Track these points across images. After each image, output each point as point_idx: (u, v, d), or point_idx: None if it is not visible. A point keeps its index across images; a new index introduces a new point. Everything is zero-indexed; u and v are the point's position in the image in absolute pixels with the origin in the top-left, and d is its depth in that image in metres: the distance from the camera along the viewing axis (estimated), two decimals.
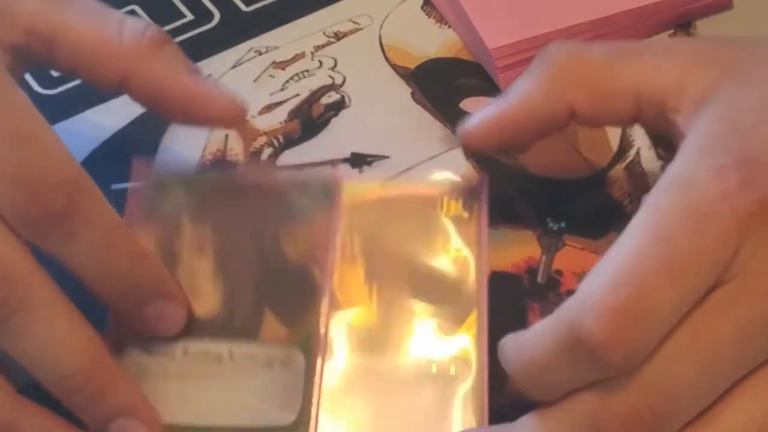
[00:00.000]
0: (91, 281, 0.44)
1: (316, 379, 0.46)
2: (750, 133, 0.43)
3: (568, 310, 0.41)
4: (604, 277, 0.40)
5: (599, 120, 0.48)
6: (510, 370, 0.42)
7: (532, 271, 0.52)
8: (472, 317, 0.48)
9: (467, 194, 0.50)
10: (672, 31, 0.60)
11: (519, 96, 0.48)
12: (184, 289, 0.48)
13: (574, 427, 0.41)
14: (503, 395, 0.45)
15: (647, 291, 0.40)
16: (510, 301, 0.50)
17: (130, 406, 0.44)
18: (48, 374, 0.43)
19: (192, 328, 0.47)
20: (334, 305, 0.48)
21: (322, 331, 0.47)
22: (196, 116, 0.49)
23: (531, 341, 0.42)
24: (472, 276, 0.49)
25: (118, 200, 0.53)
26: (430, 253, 0.49)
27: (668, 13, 0.59)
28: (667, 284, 0.40)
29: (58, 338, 0.43)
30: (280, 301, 0.48)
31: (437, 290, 0.48)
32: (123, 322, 0.47)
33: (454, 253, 0.49)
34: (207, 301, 0.48)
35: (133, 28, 0.48)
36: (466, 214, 0.50)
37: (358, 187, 0.50)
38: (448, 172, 0.51)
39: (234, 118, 0.50)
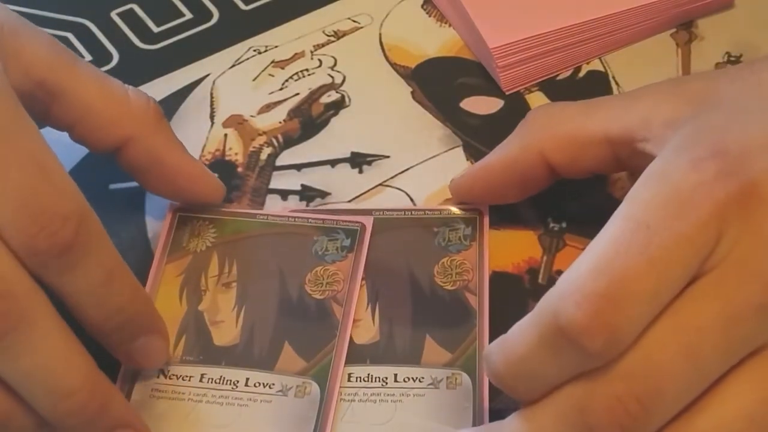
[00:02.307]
0: (86, 314, 0.44)
1: (331, 410, 0.46)
2: (723, 130, 0.43)
3: (548, 300, 0.41)
4: (584, 266, 0.41)
5: (577, 168, 0.49)
6: (495, 372, 0.42)
7: (533, 272, 0.51)
8: (473, 335, 0.48)
9: (467, 226, 0.51)
10: (674, 30, 0.59)
11: (499, 151, 0.51)
12: (206, 321, 0.49)
13: (562, 421, 0.41)
14: (502, 399, 0.45)
15: (627, 277, 0.40)
16: (511, 302, 0.50)
17: (129, 423, 0.44)
18: (44, 395, 0.43)
19: (211, 355, 0.48)
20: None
21: (340, 366, 0.48)
22: (184, 193, 0.51)
23: (514, 337, 0.42)
24: (472, 298, 0.49)
25: (116, 200, 0.53)
26: (431, 277, 0.50)
27: (669, 13, 0.59)
28: (647, 271, 0.40)
29: (54, 359, 0.42)
30: (300, 336, 0.49)
31: (438, 310, 0.49)
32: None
33: (455, 276, 0.50)
34: (227, 331, 0.49)
35: (139, 96, 0.50)
36: (466, 243, 0.51)
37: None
38: (449, 206, 0.52)
39: (217, 198, 0.52)
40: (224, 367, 0.48)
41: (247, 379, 0.47)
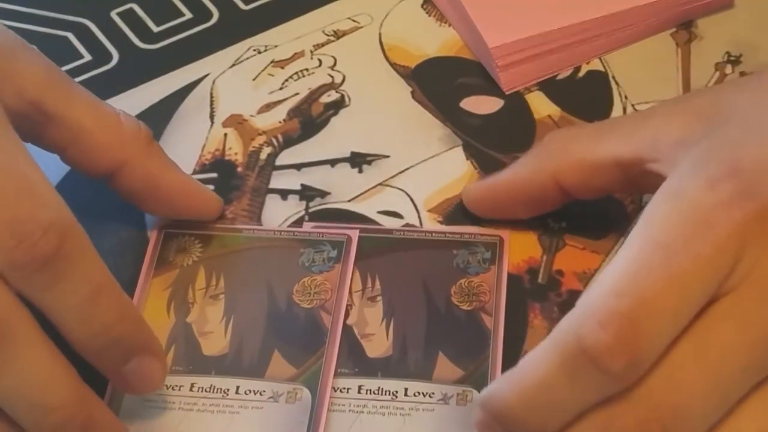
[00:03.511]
0: (72, 332, 0.43)
1: (323, 414, 0.46)
2: (738, 145, 0.43)
3: (568, 323, 0.41)
4: (604, 287, 0.40)
5: (589, 190, 0.50)
6: (504, 406, 0.41)
7: (532, 271, 0.51)
8: (486, 354, 0.48)
9: (487, 250, 0.51)
10: (674, 29, 0.59)
11: (512, 170, 0.51)
12: (194, 332, 0.49)
13: None
14: None
15: (647, 298, 0.40)
16: (511, 302, 0.50)
17: None
18: (29, 410, 0.42)
19: (200, 365, 0.48)
20: (350, 339, 0.49)
21: (331, 371, 0.48)
22: (183, 211, 0.52)
23: (528, 365, 0.41)
24: (487, 318, 0.49)
25: (116, 200, 0.53)
26: (447, 297, 0.50)
27: (669, 12, 0.59)
28: (667, 291, 0.40)
29: (40, 374, 0.42)
30: (289, 344, 0.49)
31: (453, 328, 0.49)
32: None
33: (472, 297, 0.50)
34: (216, 342, 0.49)
35: (131, 121, 0.50)
36: (485, 266, 0.51)
37: (372, 240, 0.52)
38: (468, 226, 0.52)
39: (215, 212, 0.52)
40: (214, 376, 0.48)
41: (238, 387, 0.47)
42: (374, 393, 0.47)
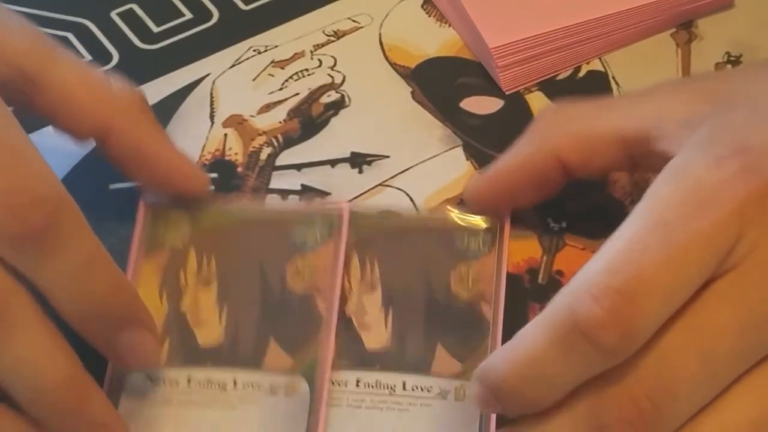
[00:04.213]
0: (64, 304, 0.43)
1: (322, 409, 0.46)
2: (745, 127, 0.43)
3: (562, 296, 0.41)
4: (601, 263, 0.41)
5: (591, 168, 0.49)
6: (499, 379, 0.41)
7: (532, 272, 0.51)
8: (485, 346, 0.48)
9: (487, 233, 0.51)
10: (674, 30, 0.59)
11: (510, 156, 0.50)
12: (188, 321, 0.48)
13: (574, 421, 0.41)
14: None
15: (644, 275, 0.40)
16: (511, 302, 0.50)
17: (107, 423, 0.44)
18: (25, 388, 0.42)
19: (196, 356, 0.48)
20: (349, 329, 0.49)
21: (328, 360, 0.47)
22: (164, 185, 0.50)
23: (522, 339, 0.41)
24: (487, 309, 0.49)
25: (116, 201, 0.53)
26: (447, 284, 0.50)
27: (669, 12, 0.59)
28: (664, 269, 0.40)
29: (36, 353, 0.42)
30: (284, 330, 0.48)
31: (452, 318, 0.49)
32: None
33: (471, 285, 0.50)
34: (211, 330, 0.48)
35: (121, 85, 0.49)
36: (485, 249, 0.50)
37: (366, 216, 0.51)
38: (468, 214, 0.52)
39: (200, 190, 0.51)
40: (211, 368, 0.48)
41: (235, 381, 0.47)
42: (372, 387, 0.47)
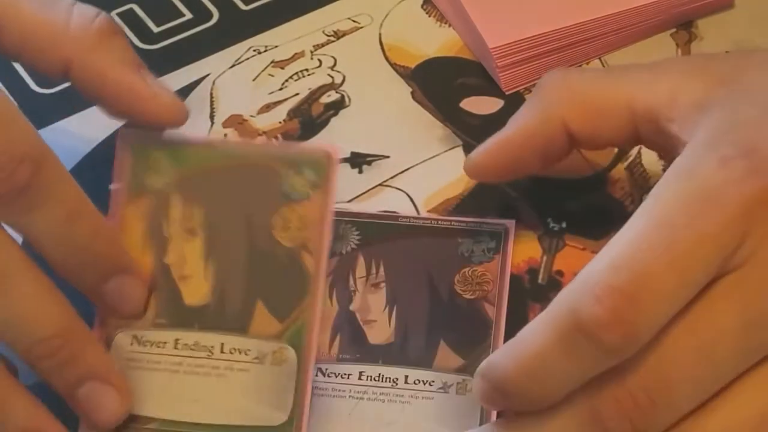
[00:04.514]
0: (51, 254, 0.44)
1: (308, 376, 0.46)
2: (754, 127, 0.42)
3: (565, 295, 0.41)
4: (604, 262, 0.40)
5: (598, 139, 0.48)
6: (502, 376, 0.41)
7: (533, 272, 0.51)
8: (488, 343, 0.48)
9: (492, 239, 0.51)
10: (674, 30, 0.59)
11: (515, 124, 0.49)
12: (173, 276, 0.48)
13: (573, 415, 0.41)
14: None
15: (647, 275, 0.40)
16: (511, 302, 0.50)
17: (101, 372, 0.45)
18: (20, 339, 0.43)
19: (182, 316, 0.47)
20: (353, 325, 0.49)
21: (315, 326, 0.47)
22: (135, 113, 0.48)
23: (526, 337, 0.41)
24: (489, 308, 0.49)
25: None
26: (451, 285, 0.50)
27: (669, 13, 0.59)
28: (668, 269, 0.40)
29: (31, 304, 0.43)
30: (272, 292, 0.47)
31: (455, 316, 0.49)
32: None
33: (475, 286, 0.50)
34: (198, 288, 0.48)
35: (82, 14, 0.48)
36: (489, 255, 0.50)
37: (377, 226, 0.52)
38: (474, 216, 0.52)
39: (175, 118, 0.48)
40: (198, 330, 0.47)
41: (222, 345, 0.47)
42: (375, 379, 0.48)
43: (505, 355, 0.42)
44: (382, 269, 0.50)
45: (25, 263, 0.43)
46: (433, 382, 0.47)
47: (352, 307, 0.50)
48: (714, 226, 0.40)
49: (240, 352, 0.47)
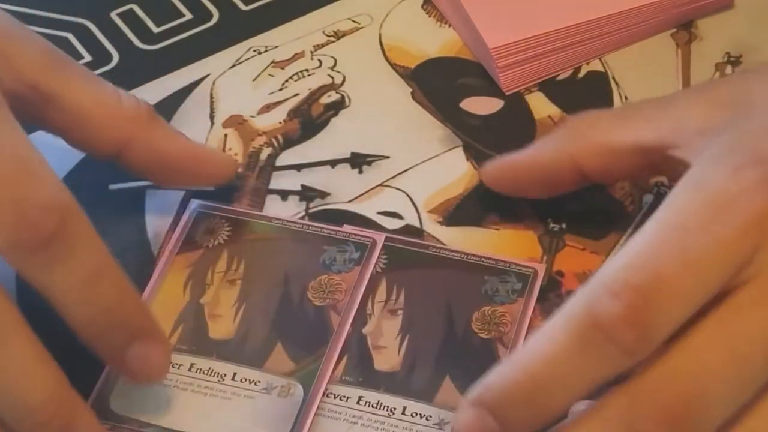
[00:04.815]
0: (74, 313, 0.43)
1: (312, 410, 0.47)
2: (763, 137, 0.43)
3: (581, 296, 0.41)
4: (619, 263, 0.41)
5: (610, 174, 0.50)
6: (513, 383, 0.41)
7: None
8: None
9: (518, 281, 0.50)
10: (674, 30, 0.59)
11: (533, 150, 0.51)
12: (204, 313, 0.49)
13: (606, 427, 0.40)
14: None
15: (661, 276, 0.40)
16: None
17: None
18: (11, 407, 0.42)
19: (203, 346, 0.48)
20: (362, 347, 0.49)
21: (328, 372, 0.48)
22: (196, 177, 0.52)
23: (539, 338, 0.41)
24: (503, 350, 0.49)
25: (117, 201, 0.53)
26: (467, 322, 0.49)
27: (669, 13, 0.59)
28: (683, 272, 0.40)
29: (23, 371, 0.42)
30: (293, 337, 0.49)
31: (466, 355, 0.49)
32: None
33: (492, 327, 0.49)
34: (224, 326, 0.49)
35: (130, 98, 0.50)
36: (513, 297, 0.50)
37: (404, 253, 0.52)
38: (504, 255, 0.51)
39: (229, 174, 0.53)
40: (215, 359, 0.48)
41: (235, 374, 0.48)
42: (373, 406, 0.47)
43: (504, 371, 0.41)
44: (402, 296, 0.50)
45: (21, 326, 0.42)
46: (431, 416, 0.47)
47: (365, 330, 0.49)
48: (728, 232, 0.40)
49: (250, 382, 0.48)
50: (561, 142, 0.50)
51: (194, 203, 0.53)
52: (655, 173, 0.50)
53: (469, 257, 0.51)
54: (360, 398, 0.47)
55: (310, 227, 0.52)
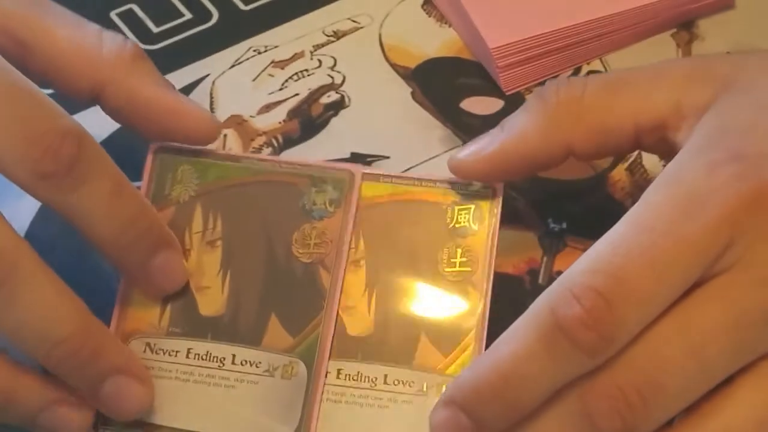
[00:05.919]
0: (100, 231, 0.44)
1: (318, 392, 0.46)
2: (746, 132, 0.43)
3: (546, 295, 0.41)
4: (584, 264, 0.41)
5: (600, 154, 0.48)
6: (484, 381, 0.41)
7: (533, 273, 0.51)
8: (471, 336, 0.47)
9: (479, 205, 0.49)
10: (674, 30, 0.59)
11: (514, 134, 0.48)
12: (191, 287, 0.48)
13: (563, 412, 0.41)
14: None
15: (623, 278, 0.40)
16: (511, 303, 0.50)
17: (123, 365, 0.45)
18: (38, 343, 0.43)
19: (197, 326, 0.48)
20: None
21: (328, 342, 0.47)
22: (171, 131, 0.49)
23: (507, 338, 0.42)
24: (475, 293, 0.48)
25: None
26: (434, 264, 0.48)
27: (670, 13, 0.59)
28: (645, 272, 0.40)
29: (46, 307, 0.43)
30: (287, 307, 0.48)
31: (437, 304, 0.48)
32: (125, 316, 0.47)
33: (459, 266, 0.48)
34: (214, 300, 0.48)
35: (113, 40, 0.49)
36: (475, 226, 0.48)
37: (371, 187, 0.49)
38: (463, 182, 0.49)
39: (210, 134, 0.49)
40: (211, 341, 0.47)
41: (234, 356, 0.47)
42: (353, 379, 0.46)
43: (476, 369, 0.42)
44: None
45: (38, 264, 0.43)
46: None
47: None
48: (695, 232, 0.41)
49: (251, 365, 0.47)
50: (552, 127, 0.48)
51: (153, 148, 0.50)
52: (643, 149, 0.48)
53: (283, 165, 0.49)
54: (339, 371, 0.46)
55: (282, 164, 0.49)
